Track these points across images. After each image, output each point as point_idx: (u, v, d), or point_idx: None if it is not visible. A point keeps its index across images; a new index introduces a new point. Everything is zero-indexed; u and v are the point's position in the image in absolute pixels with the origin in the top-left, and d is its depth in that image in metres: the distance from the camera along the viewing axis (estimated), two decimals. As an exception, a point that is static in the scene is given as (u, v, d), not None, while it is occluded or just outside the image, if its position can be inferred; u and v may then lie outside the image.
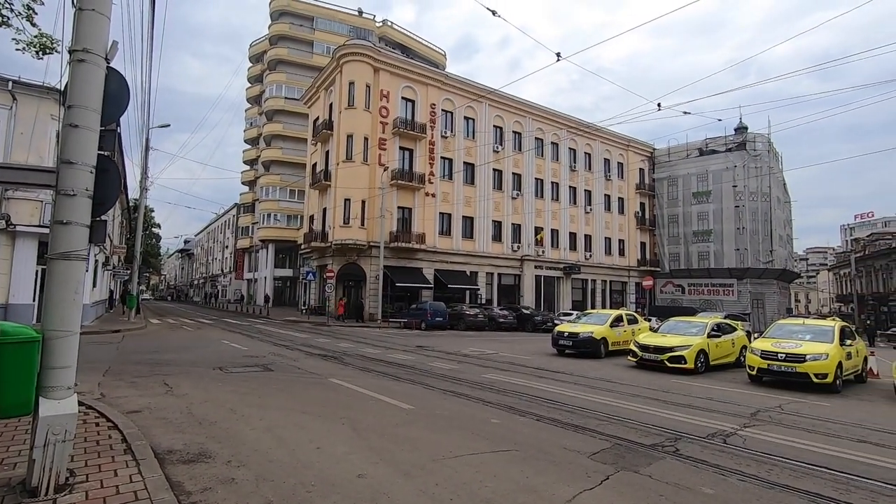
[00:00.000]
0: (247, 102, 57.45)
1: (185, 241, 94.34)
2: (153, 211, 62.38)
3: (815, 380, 9.80)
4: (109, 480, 3.75)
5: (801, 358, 9.97)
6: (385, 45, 41.06)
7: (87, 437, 4.76)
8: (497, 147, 35.92)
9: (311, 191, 35.60)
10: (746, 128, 43.55)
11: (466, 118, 34.96)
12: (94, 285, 22.62)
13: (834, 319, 13.05)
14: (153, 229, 62.06)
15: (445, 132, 33.40)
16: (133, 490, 3.59)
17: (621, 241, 44.89)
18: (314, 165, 35.69)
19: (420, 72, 32.79)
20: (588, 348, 14.60)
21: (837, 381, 9.97)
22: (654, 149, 48.15)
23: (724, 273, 42.17)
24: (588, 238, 42.00)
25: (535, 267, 37.44)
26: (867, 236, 74.85)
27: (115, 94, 3.96)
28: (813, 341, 10.55)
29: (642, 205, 47.13)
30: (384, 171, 29.51)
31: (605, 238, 43.49)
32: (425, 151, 32.27)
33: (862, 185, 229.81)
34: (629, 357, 13.17)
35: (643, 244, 46.87)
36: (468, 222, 34.35)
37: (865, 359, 12.18)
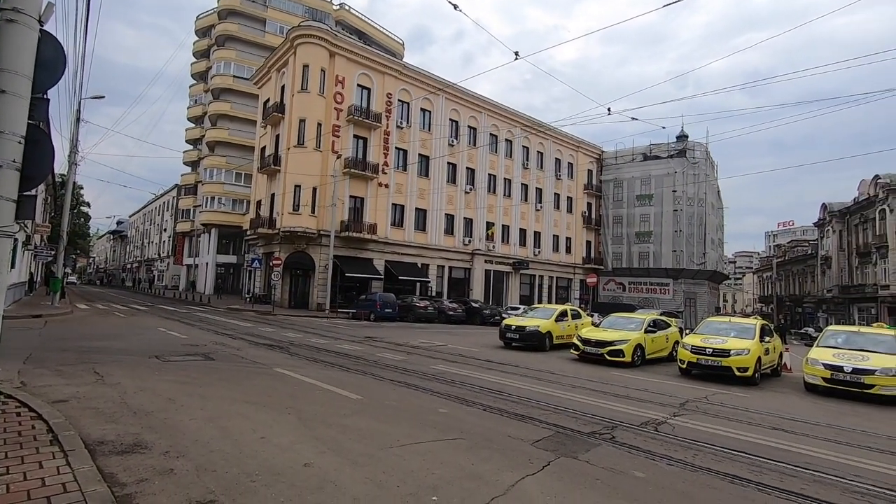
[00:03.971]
0: (191, 78, 54.37)
1: (118, 223, 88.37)
2: (82, 188, 58.04)
3: (737, 373, 10.62)
4: (34, 473, 3.52)
5: (725, 353, 10.78)
6: (342, 30, 40.10)
7: (7, 428, 4.43)
8: (452, 141, 36.04)
9: (260, 175, 34.33)
10: (687, 136, 46.04)
11: (423, 110, 34.81)
12: (13, 266, 20.80)
13: (755, 318, 14.15)
14: (82, 208, 57.69)
15: (401, 123, 33.13)
16: (61, 482, 3.39)
17: (568, 239, 46.37)
18: (263, 149, 34.41)
19: (378, 60, 32.28)
20: (534, 342, 15.06)
21: (756, 375, 10.84)
22: (602, 151, 49.95)
23: (662, 273, 44.58)
24: (537, 235, 43.09)
25: (486, 261, 38.01)
26: (787, 243, 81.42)
27: (50, 60, 3.68)
28: (737, 338, 11.41)
29: (589, 205, 48.85)
30: (337, 158, 28.91)
31: (554, 236, 44.78)
32: (380, 141, 31.88)
33: (784, 196, 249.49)
34: (572, 350, 13.71)
35: (589, 243, 48.65)
36: (421, 214, 34.33)
37: (781, 354, 13.32)
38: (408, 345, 14.50)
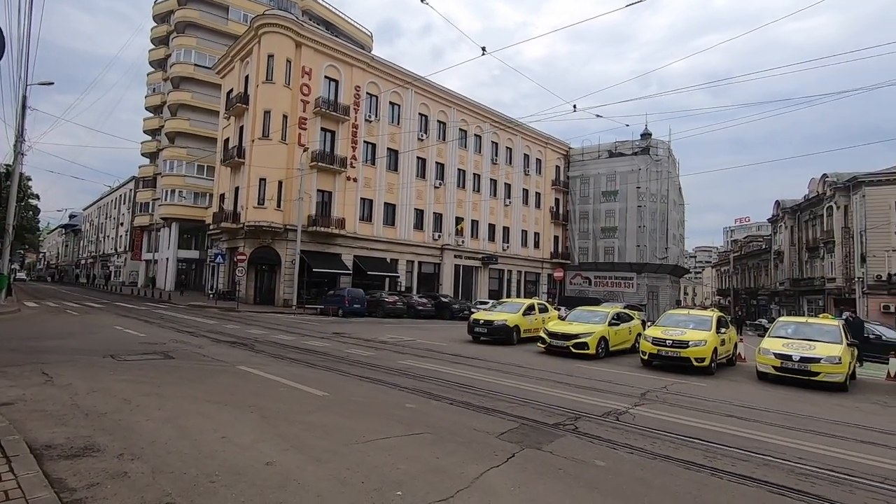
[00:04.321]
0: (149, 66, 52.09)
1: (71, 216, 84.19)
2: (30, 179, 54.85)
3: (695, 363, 11.04)
4: (-28, 480, 3.32)
5: (684, 344, 11.18)
6: (309, 20, 39.23)
7: (-57, 434, 4.17)
8: (422, 135, 35.88)
9: (223, 168, 33.30)
10: (650, 134, 47.30)
11: (392, 104, 34.50)
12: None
13: (712, 310, 14.72)
14: (30, 200, 54.55)
15: (370, 116, 32.75)
16: (3, 489, 3.21)
17: (537, 235, 47.01)
18: (226, 140, 33.38)
19: (345, 52, 31.75)
20: (502, 335, 15.23)
21: (713, 365, 11.30)
22: (569, 148, 50.76)
23: (626, 267, 45.79)
24: (506, 230, 43.49)
25: (455, 256, 38.13)
26: (744, 238, 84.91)
27: (-14, 41, 3.44)
28: (695, 330, 11.85)
29: (557, 200, 49.63)
30: (304, 151, 28.34)
31: (522, 231, 45.30)
32: (348, 134, 31.43)
33: (742, 193, 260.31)
34: (539, 344, 13.93)
35: (557, 238, 49.46)
36: (390, 209, 34.10)
37: (736, 345, 13.91)
38: (376, 340, 14.42)
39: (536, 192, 46.97)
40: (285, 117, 28.62)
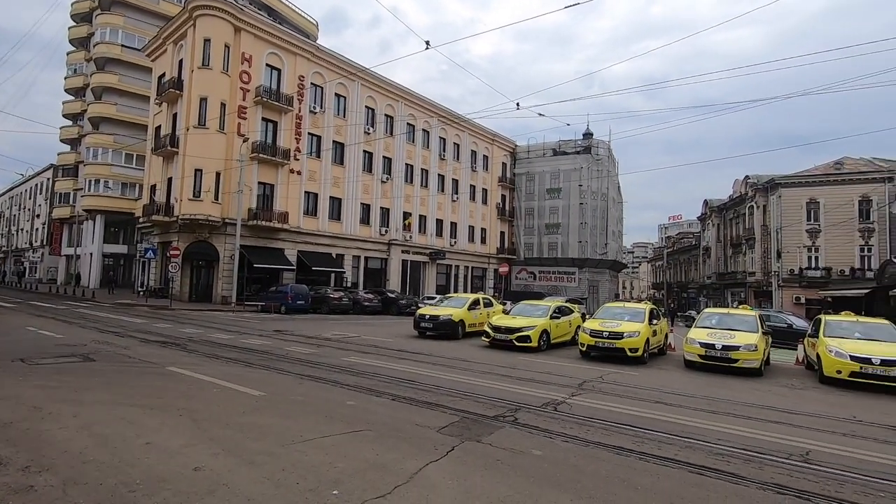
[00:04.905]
0: (70, 44, 47.96)
1: (-23, 207, 76.20)
2: (-73, 165, 49.16)
3: (629, 353, 11.61)
4: None
5: (619, 336, 11.73)
6: (249, 4, 37.46)
7: None
8: (368, 129, 35.36)
9: (154, 157, 31.29)
10: (592, 134, 49.11)
11: (338, 95, 33.73)
12: None
13: (646, 303, 15.53)
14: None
15: (314, 107, 31.85)
16: None
17: (484, 230, 47.66)
18: (158, 128, 31.36)
19: (289, 39, 30.65)
20: (447, 330, 15.34)
21: (645, 355, 11.92)
22: (515, 145, 51.75)
23: (569, 262, 47.41)
24: (454, 225, 43.78)
25: (403, 251, 37.96)
26: (676, 235, 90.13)
27: None
28: (630, 322, 12.45)
29: (503, 197, 50.51)
30: (244, 142, 27.14)
31: (470, 226, 45.77)
32: (292, 125, 30.43)
33: (676, 192, 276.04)
34: (483, 338, 14.15)
35: (503, 233, 50.37)
36: (336, 203, 33.39)
37: (666, 335, 14.76)
38: (319, 337, 14.10)
39: (483, 189, 47.57)
40: (223, 105, 27.28)
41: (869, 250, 38.85)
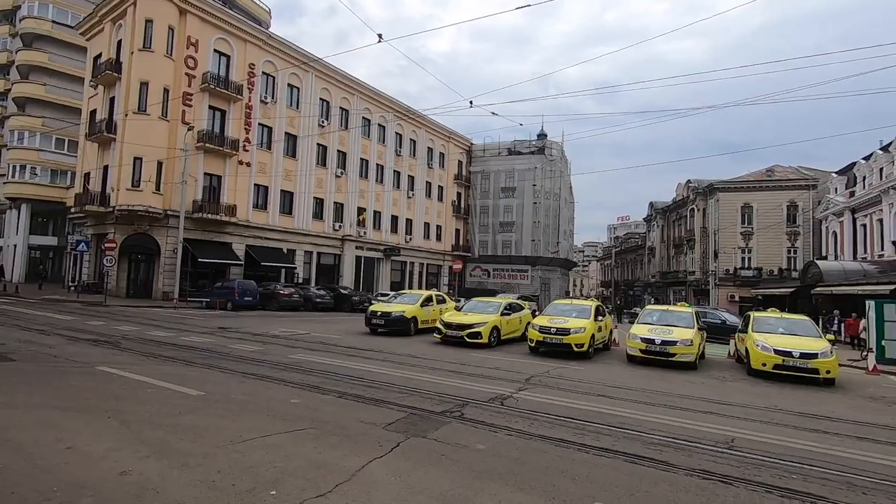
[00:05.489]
0: (-8, 17, 43.98)
1: None
2: None
3: (575, 349, 11.97)
4: None
5: (566, 332, 12.08)
6: (196, -14, 35.72)
7: None
8: (323, 121, 34.59)
9: (89, 143, 29.25)
10: (546, 135, 50.23)
11: (290, 86, 32.78)
12: None
13: (592, 300, 16.07)
14: None
15: (265, 97, 30.80)
16: None
17: (439, 227, 47.77)
18: (93, 112, 29.33)
19: (239, 25, 29.46)
20: (399, 327, 15.27)
21: (590, 350, 12.34)
22: (471, 143, 52.16)
23: (522, 260, 48.36)
24: (409, 222, 43.63)
25: (356, 247, 37.46)
26: (624, 235, 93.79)
27: None
28: (576, 318, 12.84)
29: (459, 194, 50.81)
30: (189, 130, 25.87)
31: (425, 223, 45.75)
32: (241, 115, 29.30)
33: (624, 194, 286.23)
34: (435, 334, 14.19)
35: (458, 231, 50.69)
36: (287, 197, 32.48)
37: (611, 331, 15.33)
38: (266, 334, 13.69)
39: (439, 186, 47.66)
40: (166, 91, 25.89)
41: (795, 252, 41.94)
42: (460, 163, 50.91)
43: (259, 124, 30.50)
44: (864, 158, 33.18)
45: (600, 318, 13.66)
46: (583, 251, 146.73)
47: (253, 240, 29.97)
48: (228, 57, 28.97)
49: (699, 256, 47.71)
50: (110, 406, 5.54)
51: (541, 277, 48.55)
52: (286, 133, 32.17)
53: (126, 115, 25.46)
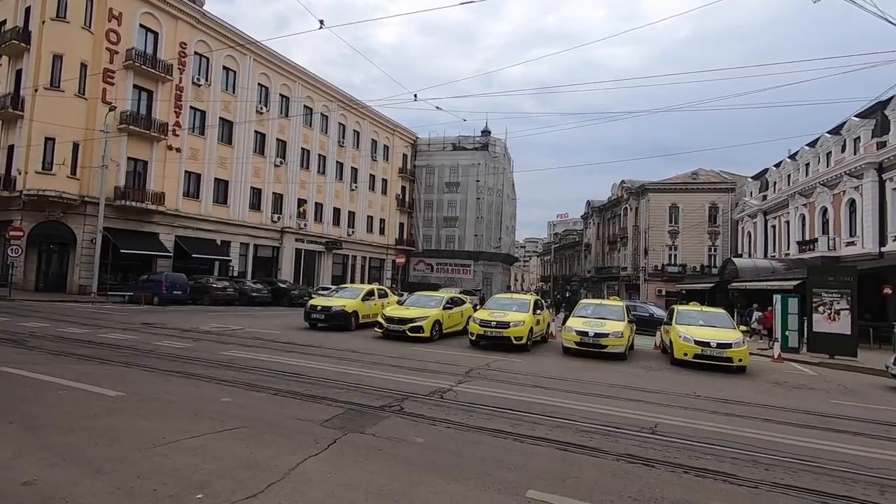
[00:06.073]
0: None
1: None
2: None
3: (514, 342, 12.29)
4: None
5: (506, 325, 12.37)
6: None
7: None
8: (261, 108, 33.14)
9: (-10, 120, 26.32)
10: (490, 132, 51.03)
11: (226, 69, 31.13)
12: None
13: (531, 294, 16.56)
14: None
15: (198, 79, 29.06)
16: None
17: (382, 221, 47.30)
18: (-4, 86, 26.39)
19: (168, 0, 27.51)
20: (340, 321, 15.01)
21: (529, 343, 12.71)
22: (416, 137, 51.98)
23: (465, 255, 48.93)
24: (352, 215, 42.86)
25: (296, 240, 36.32)
26: (562, 232, 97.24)
27: None
28: (516, 312, 13.17)
29: (403, 188, 50.54)
30: (110, 110, 23.89)
31: (368, 216, 45.15)
32: (170, 97, 27.46)
33: (563, 192, 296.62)
34: (376, 329, 14.06)
35: (402, 225, 50.44)
36: (222, 186, 30.91)
37: (549, 324, 15.87)
38: (197, 330, 12.99)
39: (383, 179, 47.15)
40: (84, 66, 23.78)
41: (715, 250, 45.32)
42: (405, 156, 50.61)
43: (191, 108, 28.75)
44: (775, 165, 36.36)
45: (538, 311, 14.08)
46: (524, 247, 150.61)
47: (183, 230, 28.28)
48: (156, 34, 27.03)
49: (631, 253, 50.42)
50: (13, 410, 5.03)
51: (483, 272, 49.37)
52: (221, 118, 30.56)
53: (36, 90, 23.13)
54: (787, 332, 15.95)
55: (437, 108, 18.84)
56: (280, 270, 34.80)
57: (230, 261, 31.09)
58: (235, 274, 30.94)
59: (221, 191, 30.95)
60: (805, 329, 15.51)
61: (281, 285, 28.54)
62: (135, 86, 26.01)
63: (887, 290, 20.18)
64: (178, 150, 27.90)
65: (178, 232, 28.00)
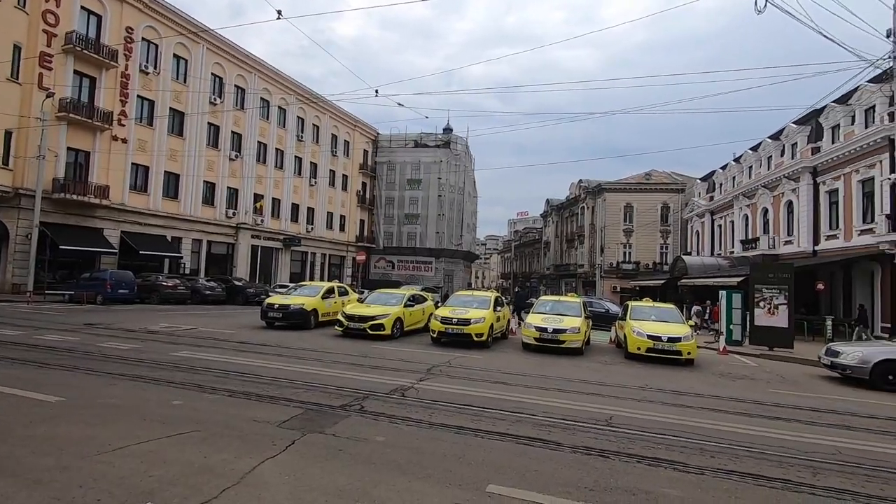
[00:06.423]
0: None
1: None
2: None
3: (475, 339, 12.40)
4: None
5: (467, 322, 12.46)
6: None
7: None
8: (215, 99, 31.90)
9: None
10: (451, 129, 51.17)
11: (177, 57, 29.74)
12: None
13: (492, 291, 16.75)
14: None
15: (147, 67, 27.62)
16: None
17: (343, 217, 46.58)
18: (-85, 66, 24.17)
19: (113, -18, 25.99)
20: (298, 320, 14.69)
21: (489, 339, 12.86)
22: (378, 133, 51.45)
23: (426, 252, 48.93)
24: (311, 211, 41.97)
25: (253, 236, 35.24)
26: (523, 229, 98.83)
27: None
28: (477, 309, 13.29)
29: (364, 184, 49.94)
30: (48, 97, 22.34)
31: (328, 213, 44.34)
32: (115, 84, 25.98)
33: (523, 190, 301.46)
34: (336, 327, 13.84)
35: (363, 221, 49.85)
36: (172, 179, 29.57)
37: (509, 321, 16.10)
38: (145, 330, 12.40)
39: (344, 175, 46.43)
40: (18, 48, 22.13)
41: (666, 248, 47.26)
42: (366, 152, 50.01)
43: (138, 96, 27.31)
44: (721, 168, 38.25)
45: (499, 308, 14.27)
46: (485, 244, 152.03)
47: (130, 225, 26.88)
48: (100, 17, 25.48)
49: (588, 251, 51.86)
50: (-64, 420, 4.65)
51: (444, 269, 49.52)
52: (172, 108, 29.19)
53: (-38, 72, 21.33)
54: (731, 326, 16.85)
55: (399, 104, 18.79)
56: (235, 268, 33.67)
57: (181, 258, 29.81)
58: (187, 271, 29.70)
59: (172, 184, 29.60)
60: (747, 323, 16.43)
61: (236, 283, 27.64)
62: (76, 71, 24.43)
63: (820, 286, 21.65)
64: (125, 140, 26.45)
65: (124, 227, 26.57)
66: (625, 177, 50.48)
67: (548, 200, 66.46)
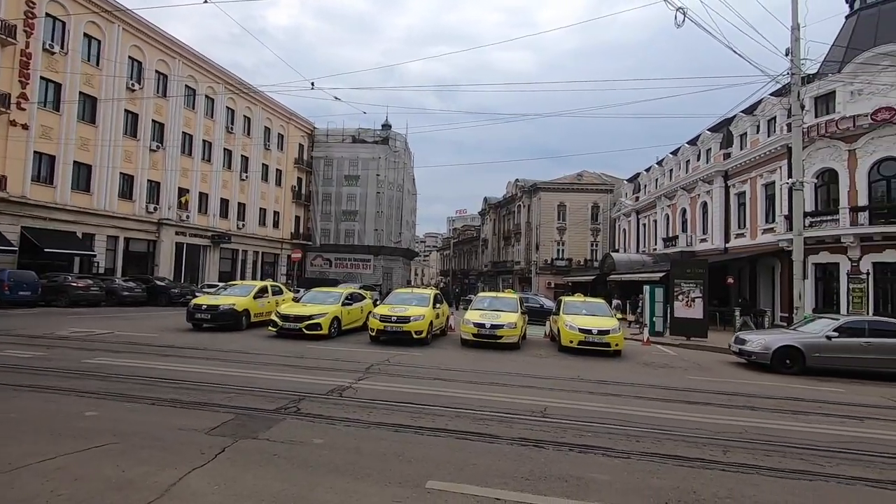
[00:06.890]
0: None
1: None
2: None
3: (414, 336, 12.40)
4: None
5: (406, 319, 12.44)
6: None
7: None
8: (133, 84, 29.52)
9: None
10: (390, 126, 50.68)
11: (89, 36, 27.21)
12: None
13: (432, 289, 16.83)
14: None
15: (52, 46, 25.03)
16: None
17: (277, 213, 44.82)
18: None
19: (10, -51, 23.30)
20: (228, 321, 13.99)
21: (429, 336, 12.90)
22: (314, 127, 49.96)
23: (365, 249, 48.22)
24: (242, 206, 40.00)
25: (177, 233, 33.03)
26: (461, 227, 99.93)
27: None
28: (416, 306, 13.30)
29: (300, 180, 48.33)
30: (-71, 74, 19.70)
31: (261, 209, 42.49)
32: (14, 64, 23.33)
33: (462, 188, 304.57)
34: (270, 328, 13.33)
35: (298, 218, 48.24)
36: (84, 170, 27.05)
37: (448, 318, 16.24)
38: (51, 336, 11.29)
39: (277, 169, 44.68)
40: None
41: (596, 245, 49.67)
42: (301, 147, 48.41)
43: (42, 78, 24.69)
44: (645, 170, 40.75)
45: (438, 305, 14.36)
46: (424, 241, 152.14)
47: (32, 220, 24.28)
48: (-6, -13, 22.77)
49: (524, 248, 53.42)
50: None
51: (383, 267, 49.07)
52: (82, 93, 26.66)
53: None
54: (654, 318, 18.03)
55: (336, 98, 18.28)
56: (157, 267, 31.41)
57: (94, 256, 27.36)
58: (101, 271, 27.32)
59: (83, 176, 27.06)
60: (668, 315, 17.65)
61: (158, 283, 25.82)
62: (-36, 47, 21.71)
63: (730, 280, 23.66)
64: (25, 126, 23.82)
65: (25, 223, 23.95)
66: (558, 177, 52.45)
67: (486, 199, 67.71)
